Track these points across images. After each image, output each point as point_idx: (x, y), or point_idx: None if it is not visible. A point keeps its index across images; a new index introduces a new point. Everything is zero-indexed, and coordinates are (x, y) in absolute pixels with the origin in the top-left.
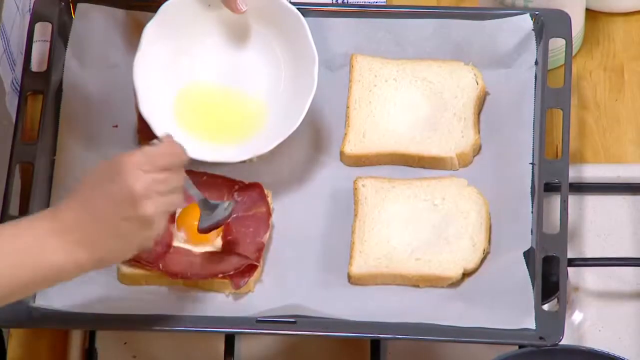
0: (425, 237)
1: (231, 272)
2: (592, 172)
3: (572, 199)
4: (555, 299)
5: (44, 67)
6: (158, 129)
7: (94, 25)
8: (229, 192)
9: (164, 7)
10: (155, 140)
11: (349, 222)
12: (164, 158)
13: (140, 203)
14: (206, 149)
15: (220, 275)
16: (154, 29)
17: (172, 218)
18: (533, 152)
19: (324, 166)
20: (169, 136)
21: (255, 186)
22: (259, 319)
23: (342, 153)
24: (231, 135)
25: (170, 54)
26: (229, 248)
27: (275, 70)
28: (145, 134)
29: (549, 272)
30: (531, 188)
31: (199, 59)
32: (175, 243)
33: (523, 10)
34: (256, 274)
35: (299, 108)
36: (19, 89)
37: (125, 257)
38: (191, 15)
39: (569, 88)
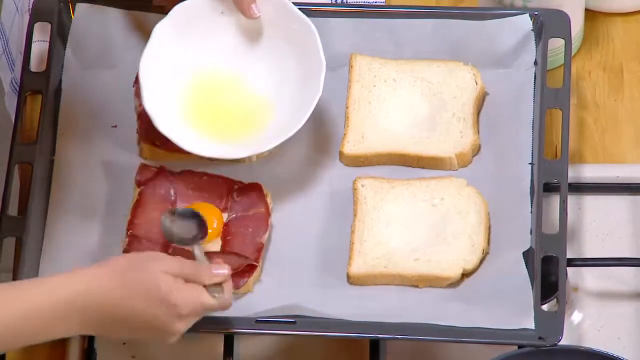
0: (424, 237)
1: (230, 272)
2: (591, 172)
3: (571, 199)
4: (555, 299)
5: (43, 67)
6: (161, 124)
7: (93, 25)
8: (229, 192)
9: (177, 8)
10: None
11: (348, 222)
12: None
13: (176, 327)
14: (207, 144)
15: None
16: (165, 28)
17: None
18: (532, 152)
19: (324, 166)
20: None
21: (255, 186)
22: (258, 319)
23: (341, 153)
24: (234, 132)
25: (180, 52)
26: (228, 248)
27: (283, 72)
28: (145, 134)
29: (548, 272)
30: (530, 188)
31: (207, 57)
32: None
33: (522, 10)
34: (255, 274)
35: (303, 112)
36: (18, 89)
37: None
38: (204, 18)
39: (568, 88)
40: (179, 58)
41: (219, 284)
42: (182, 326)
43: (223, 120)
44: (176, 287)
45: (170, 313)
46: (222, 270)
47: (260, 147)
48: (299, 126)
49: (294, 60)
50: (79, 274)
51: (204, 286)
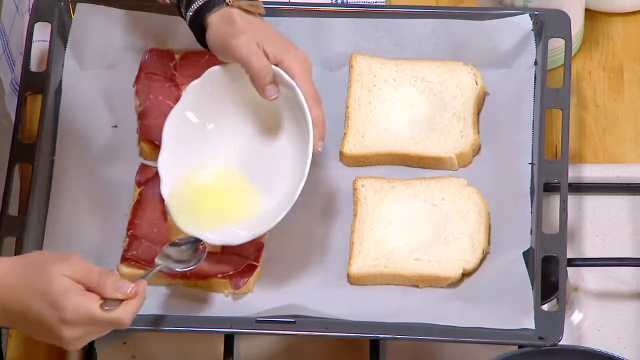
0: (424, 237)
1: (230, 272)
2: (591, 172)
3: (571, 199)
4: (555, 299)
5: (44, 67)
6: (165, 186)
7: (93, 26)
8: None
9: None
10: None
11: (348, 222)
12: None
13: (64, 335)
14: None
15: (220, 276)
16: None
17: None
18: (532, 152)
19: (324, 166)
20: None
21: None
22: (258, 319)
23: (341, 153)
24: (226, 218)
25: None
26: (228, 248)
27: (278, 161)
28: (145, 134)
29: (549, 272)
30: (530, 188)
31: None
32: None
33: (522, 10)
34: (255, 274)
35: (289, 198)
36: (18, 89)
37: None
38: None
39: (569, 88)
40: (196, 133)
41: (119, 300)
42: (68, 333)
43: (216, 208)
44: (69, 291)
45: (55, 315)
46: (127, 287)
47: (248, 235)
48: (282, 216)
49: (288, 145)
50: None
51: (104, 299)
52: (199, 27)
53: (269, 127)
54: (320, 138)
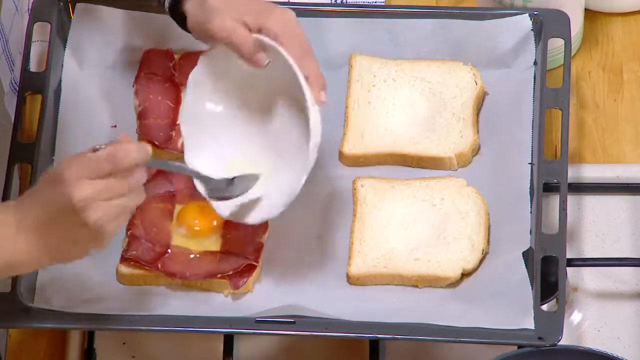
0: (424, 237)
1: (230, 272)
2: (591, 172)
3: (571, 199)
4: (554, 299)
5: (43, 67)
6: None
7: (93, 26)
8: None
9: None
10: (100, 144)
11: (348, 222)
12: (104, 164)
13: (82, 213)
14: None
15: (219, 276)
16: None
17: (170, 217)
18: (532, 152)
19: (323, 166)
20: (117, 140)
21: None
22: (257, 319)
23: (341, 153)
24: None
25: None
26: (227, 248)
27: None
28: (145, 134)
29: (548, 272)
30: (530, 188)
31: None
32: (175, 242)
33: (522, 10)
34: (255, 274)
35: (294, 184)
36: (17, 89)
37: (78, 258)
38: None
39: (568, 88)
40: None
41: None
42: (77, 191)
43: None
44: (66, 162)
45: (59, 181)
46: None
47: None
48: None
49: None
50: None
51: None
52: (180, 17)
53: (278, 95)
54: (320, 88)
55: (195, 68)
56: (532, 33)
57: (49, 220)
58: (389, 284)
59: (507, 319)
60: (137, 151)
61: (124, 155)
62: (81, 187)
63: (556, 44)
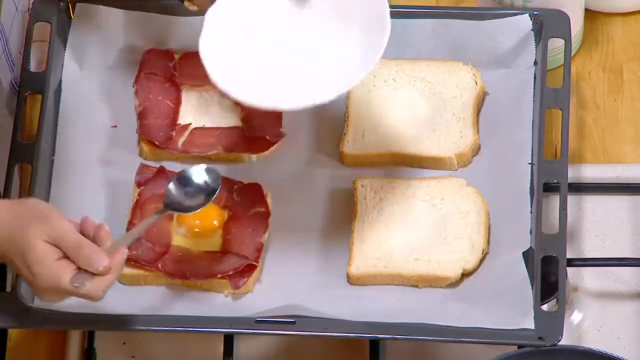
0: (424, 237)
1: (230, 273)
2: (591, 172)
3: (571, 199)
4: (555, 299)
5: (43, 67)
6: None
7: (93, 26)
8: (229, 192)
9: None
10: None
11: (348, 222)
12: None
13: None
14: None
15: (219, 276)
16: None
17: (170, 217)
18: (532, 152)
19: (324, 166)
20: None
21: (255, 186)
22: (258, 319)
23: (341, 153)
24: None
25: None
26: (228, 248)
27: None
28: (145, 134)
29: (548, 272)
30: (530, 188)
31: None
32: (175, 242)
33: (522, 10)
34: (255, 274)
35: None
36: (17, 89)
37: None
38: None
39: (568, 88)
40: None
41: (92, 273)
42: (44, 296)
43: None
44: (44, 260)
45: (30, 279)
46: (101, 263)
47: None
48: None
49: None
50: None
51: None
52: None
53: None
54: None
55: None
56: (532, 33)
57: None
58: (389, 284)
59: (507, 319)
60: (98, 261)
61: (86, 263)
62: (43, 292)
63: (556, 44)
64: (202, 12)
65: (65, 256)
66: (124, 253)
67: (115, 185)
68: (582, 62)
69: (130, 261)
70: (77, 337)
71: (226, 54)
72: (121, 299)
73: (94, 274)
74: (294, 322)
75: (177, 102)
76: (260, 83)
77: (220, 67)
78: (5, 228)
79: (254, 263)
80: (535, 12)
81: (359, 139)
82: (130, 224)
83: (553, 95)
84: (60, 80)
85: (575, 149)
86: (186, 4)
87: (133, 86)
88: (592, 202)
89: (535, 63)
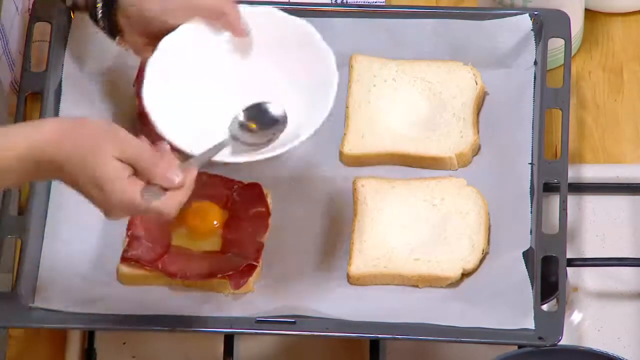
0: (424, 237)
1: (230, 272)
2: (591, 172)
3: (571, 199)
4: (555, 299)
5: (43, 68)
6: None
7: (93, 26)
8: (229, 192)
9: (165, 41)
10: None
11: (348, 222)
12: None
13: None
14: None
15: (220, 276)
16: (158, 62)
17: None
18: (532, 152)
19: (323, 166)
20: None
21: (255, 186)
22: (258, 319)
23: (341, 153)
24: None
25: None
26: (228, 248)
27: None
28: (145, 134)
29: (548, 272)
30: (530, 188)
31: (208, 73)
32: (175, 241)
33: (522, 10)
34: (255, 274)
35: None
36: (17, 89)
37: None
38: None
39: (568, 88)
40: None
41: (164, 188)
42: (113, 214)
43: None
44: (116, 178)
45: (101, 196)
46: (174, 178)
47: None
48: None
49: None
50: (41, 132)
51: (149, 183)
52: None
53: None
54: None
55: (155, 53)
56: (532, 33)
57: (73, 183)
58: (389, 284)
59: (507, 319)
60: (174, 174)
61: (161, 177)
62: (113, 209)
63: (556, 44)
64: (142, 61)
65: (134, 173)
66: (194, 172)
67: None
68: (582, 62)
69: (131, 261)
70: (77, 337)
71: (169, 107)
72: (121, 299)
73: (164, 190)
74: (294, 322)
75: None
76: (206, 136)
77: (167, 120)
78: (70, 151)
79: (254, 263)
80: (535, 12)
81: (359, 139)
82: (130, 224)
83: (553, 95)
84: (60, 80)
85: (575, 149)
86: (118, 41)
87: (133, 86)
88: (592, 202)
89: (535, 63)
